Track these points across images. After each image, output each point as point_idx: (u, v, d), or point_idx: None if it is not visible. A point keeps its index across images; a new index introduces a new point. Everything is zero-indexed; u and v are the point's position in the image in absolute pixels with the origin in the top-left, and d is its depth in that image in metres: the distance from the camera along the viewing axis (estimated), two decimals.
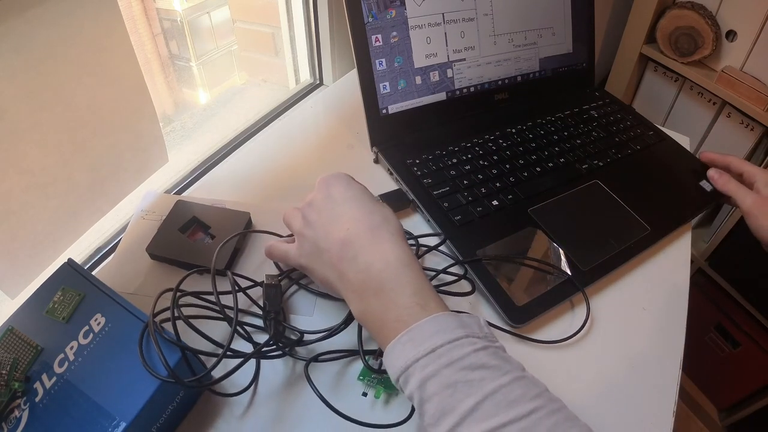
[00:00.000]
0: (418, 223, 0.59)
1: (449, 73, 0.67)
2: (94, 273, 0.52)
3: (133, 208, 0.60)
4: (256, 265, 0.53)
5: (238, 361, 0.41)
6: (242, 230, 0.54)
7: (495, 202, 0.58)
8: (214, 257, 0.46)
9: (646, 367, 0.47)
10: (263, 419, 0.43)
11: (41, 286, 0.42)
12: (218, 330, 0.45)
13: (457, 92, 0.69)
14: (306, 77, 0.85)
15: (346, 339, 0.46)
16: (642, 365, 0.47)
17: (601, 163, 0.66)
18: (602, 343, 0.48)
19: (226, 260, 0.51)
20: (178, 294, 0.41)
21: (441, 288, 0.48)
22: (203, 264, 0.51)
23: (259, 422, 0.42)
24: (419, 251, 0.54)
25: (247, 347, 0.44)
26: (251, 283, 0.50)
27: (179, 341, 0.39)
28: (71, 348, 0.39)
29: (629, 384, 0.45)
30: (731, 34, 1.03)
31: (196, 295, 0.44)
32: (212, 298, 0.43)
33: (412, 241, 0.56)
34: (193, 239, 0.54)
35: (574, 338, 0.48)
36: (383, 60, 0.62)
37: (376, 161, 0.66)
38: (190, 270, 0.52)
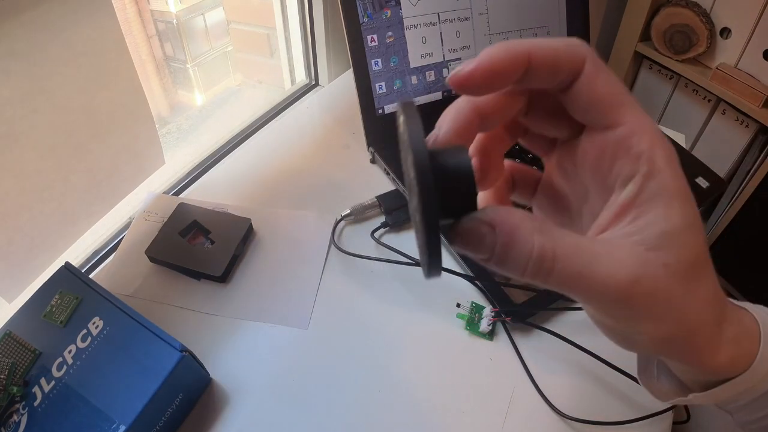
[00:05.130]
0: None
1: (445, 72, 0.67)
2: (92, 275, 0.52)
3: (130, 210, 0.60)
4: (257, 272, 0.53)
5: None
6: (242, 236, 0.54)
7: None
8: None
9: None
10: (264, 422, 0.43)
11: (38, 290, 0.42)
12: None
13: (453, 92, 0.69)
14: (301, 78, 0.85)
15: None
16: None
17: None
18: (600, 341, 0.48)
19: (224, 267, 0.51)
20: None
21: None
22: (201, 269, 0.51)
23: (260, 425, 0.42)
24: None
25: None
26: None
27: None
28: (69, 352, 0.39)
29: (628, 382, 0.46)
30: (725, 32, 1.04)
31: None
32: None
33: None
34: (193, 243, 0.54)
35: (573, 337, 0.48)
36: (379, 60, 0.62)
37: (373, 161, 0.66)
38: (188, 274, 0.52)
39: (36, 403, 0.37)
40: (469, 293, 0.51)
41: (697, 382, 0.25)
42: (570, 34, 0.76)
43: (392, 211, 0.58)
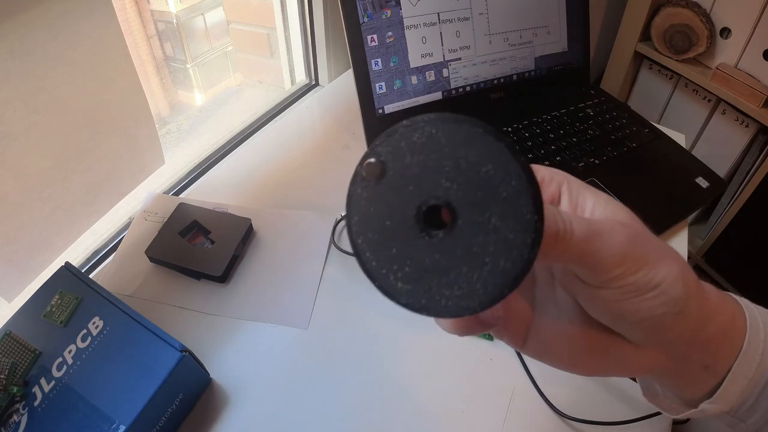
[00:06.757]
0: None
1: (445, 72, 0.67)
2: (92, 275, 0.53)
3: (130, 210, 0.60)
4: (257, 272, 0.53)
5: None
6: (242, 236, 0.54)
7: None
8: None
9: None
10: (264, 422, 0.43)
11: (38, 289, 0.42)
12: None
13: (453, 92, 0.69)
14: (302, 78, 0.85)
15: None
16: None
17: (597, 161, 0.66)
18: None
19: (224, 267, 0.51)
20: None
21: None
22: (201, 269, 0.51)
23: (260, 425, 0.42)
24: None
25: None
26: None
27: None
28: (69, 352, 0.39)
29: (628, 382, 0.46)
30: (725, 32, 1.04)
31: None
32: None
33: None
34: (193, 244, 0.54)
35: None
36: (379, 60, 0.62)
37: None
38: (188, 274, 0.52)
39: (36, 403, 0.37)
40: None
41: (699, 391, 0.25)
42: (570, 34, 0.76)
43: None
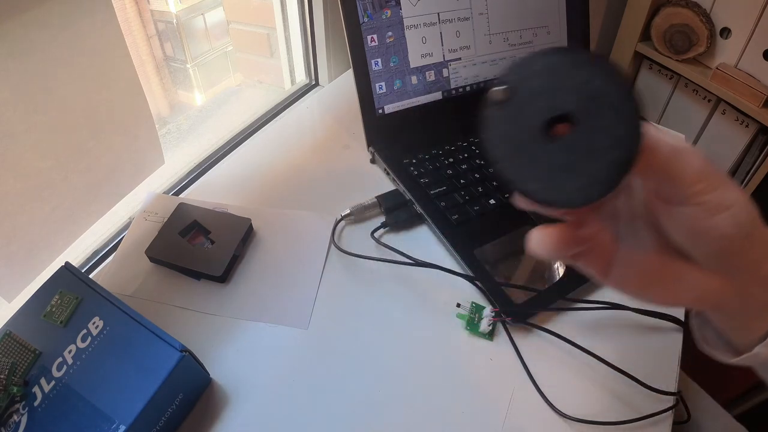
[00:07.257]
0: None
1: (445, 72, 0.67)
2: (92, 275, 0.53)
3: (130, 210, 0.60)
4: (257, 272, 0.53)
5: None
6: (242, 236, 0.54)
7: (492, 201, 0.58)
8: None
9: (645, 365, 0.47)
10: (264, 422, 0.43)
11: (38, 289, 0.42)
12: None
13: (453, 92, 0.69)
14: (301, 78, 0.85)
15: None
16: (641, 362, 0.47)
17: None
18: (600, 341, 0.49)
19: (224, 267, 0.51)
20: None
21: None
22: (201, 269, 0.51)
23: (260, 425, 0.42)
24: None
25: None
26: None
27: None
28: (69, 352, 0.39)
29: (628, 382, 0.46)
30: (725, 32, 1.04)
31: None
32: None
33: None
34: (193, 244, 0.54)
35: (573, 337, 0.48)
36: (379, 60, 0.62)
37: (373, 161, 0.66)
38: (188, 274, 0.52)
39: (36, 403, 0.37)
40: (469, 293, 0.51)
41: (756, 332, 0.27)
42: (570, 34, 0.76)
43: (392, 210, 0.58)
